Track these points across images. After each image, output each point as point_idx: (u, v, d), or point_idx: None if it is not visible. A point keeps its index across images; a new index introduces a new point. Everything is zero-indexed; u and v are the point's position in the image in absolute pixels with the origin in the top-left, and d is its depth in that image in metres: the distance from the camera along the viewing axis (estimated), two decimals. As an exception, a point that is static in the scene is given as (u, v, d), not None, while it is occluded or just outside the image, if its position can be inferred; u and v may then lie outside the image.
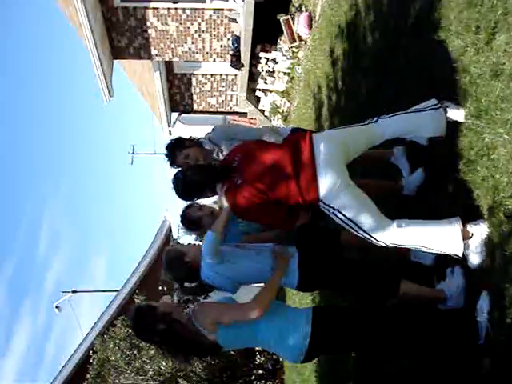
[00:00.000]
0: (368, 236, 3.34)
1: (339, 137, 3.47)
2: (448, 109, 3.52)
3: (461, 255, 3.25)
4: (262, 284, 3.32)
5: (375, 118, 3.57)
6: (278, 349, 3.31)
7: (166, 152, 4.44)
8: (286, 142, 3.55)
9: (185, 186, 3.66)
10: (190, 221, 4.27)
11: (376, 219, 3.31)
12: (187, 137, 4.56)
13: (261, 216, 3.56)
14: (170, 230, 19.31)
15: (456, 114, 3.53)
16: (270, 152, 3.45)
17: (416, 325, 3.21)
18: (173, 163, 4.36)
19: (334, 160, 3.29)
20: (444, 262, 3.61)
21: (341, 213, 3.29)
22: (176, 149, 4.38)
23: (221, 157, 4.26)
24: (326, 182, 3.25)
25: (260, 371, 12.59)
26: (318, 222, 4.05)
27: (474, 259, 3.26)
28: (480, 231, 3.23)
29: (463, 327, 3.20)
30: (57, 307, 20.60)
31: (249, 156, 3.51)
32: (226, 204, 3.61)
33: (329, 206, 3.31)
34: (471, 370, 3.25)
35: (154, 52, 13.26)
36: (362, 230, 3.32)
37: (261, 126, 12.72)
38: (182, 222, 4.35)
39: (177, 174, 3.74)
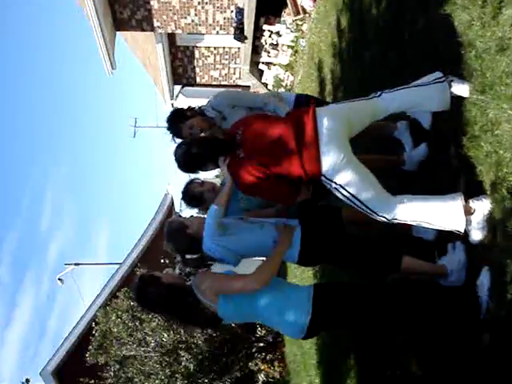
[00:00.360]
0: (370, 211, 3.34)
1: (342, 111, 3.44)
2: (453, 83, 3.49)
3: (463, 231, 3.25)
4: (264, 258, 3.33)
5: (379, 92, 3.53)
6: (279, 325, 3.32)
7: (167, 125, 4.38)
8: (289, 116, 3.53)
9: (186, 159, 3.64)
10: (191, 196, 4.26)
11: (378, 194, 3.31)
12: (186, 107, 4.49)
13: (263, 190, 3.55)
14: (173, 204, 19.34)
15: (461, 88, 3.50)
16: (274, 126, 3.43)
17: (417, 301, 3.22)
18: (176, 136, 4.28)
19: (337, 135, 3.28)
20: (445, 237, 3.61)
21: (343, 188, 3.28)
22: (178, 121, 4.32)
23: (224, 125, 4.21)
24: (329, 157, 3.24)
25: (261, 344, 12.70)
26: (319, 200, 4.04)
27: (476, 235, 3.26)
28: (482, 207, 3.22)
29: (464, 302, 3.21)
30: (59, 279, 20.71)
31: (252, 130, 3.48)
32: (228, 178, 3.60)
33: (331, 181, 3.30)
34: (471, 345, 3.27)
35: (156, 24, 13.15)
36: (363, 205, 3.32)
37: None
38: (183, 198, 4.33)
39: (179, 146, 3.71)
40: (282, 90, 12.63)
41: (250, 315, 3.28)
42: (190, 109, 4.43)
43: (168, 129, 4.35)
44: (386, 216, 3.33)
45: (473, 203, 3.25)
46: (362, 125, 3.50)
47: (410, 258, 3.56)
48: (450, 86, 3.49)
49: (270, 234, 3.58)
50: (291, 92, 12.21)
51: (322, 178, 3.32)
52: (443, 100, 3.50)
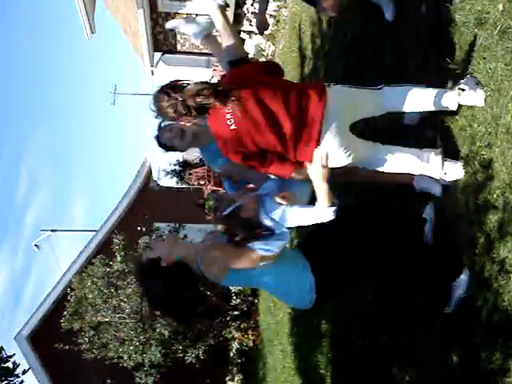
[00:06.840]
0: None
1: (352, 97, 3.20)
2: (463, 92, 3.16)
3: (438, 178, 3.33)
4: None
5: (381, 85, 3.29)
6: (285, 297, 3.26)
7: None
8: (296, 88, 3.13)
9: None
10: (161, 144, 4.02)
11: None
12: None
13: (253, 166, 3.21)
14: (150, 172, 19.26)
15: (473, 97, 3.16)
16: (276, 96, 3.03)
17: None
18: None
19: (343, 124, 3.07)
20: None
21: None
22: None
23: None
24: (329, 148, 2.99)
25: (235, 312, 12.82)
26: None
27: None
28: (455, 168, 3.29)
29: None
30: (36, 245, 20.62)
31: (251, 97, 3.01)
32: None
33: None
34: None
35: (137, -12, 12.91)
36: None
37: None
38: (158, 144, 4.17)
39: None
40: (264, 59, 12.54)
41: (251, 282, 3.25)
42: None
43: None
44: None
45: (447, 162, 3.29)
46: (365, 114, 3.37)
47: None
48: (459, 95, 3.17)
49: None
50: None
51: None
52: (447, 100, 3.21)
